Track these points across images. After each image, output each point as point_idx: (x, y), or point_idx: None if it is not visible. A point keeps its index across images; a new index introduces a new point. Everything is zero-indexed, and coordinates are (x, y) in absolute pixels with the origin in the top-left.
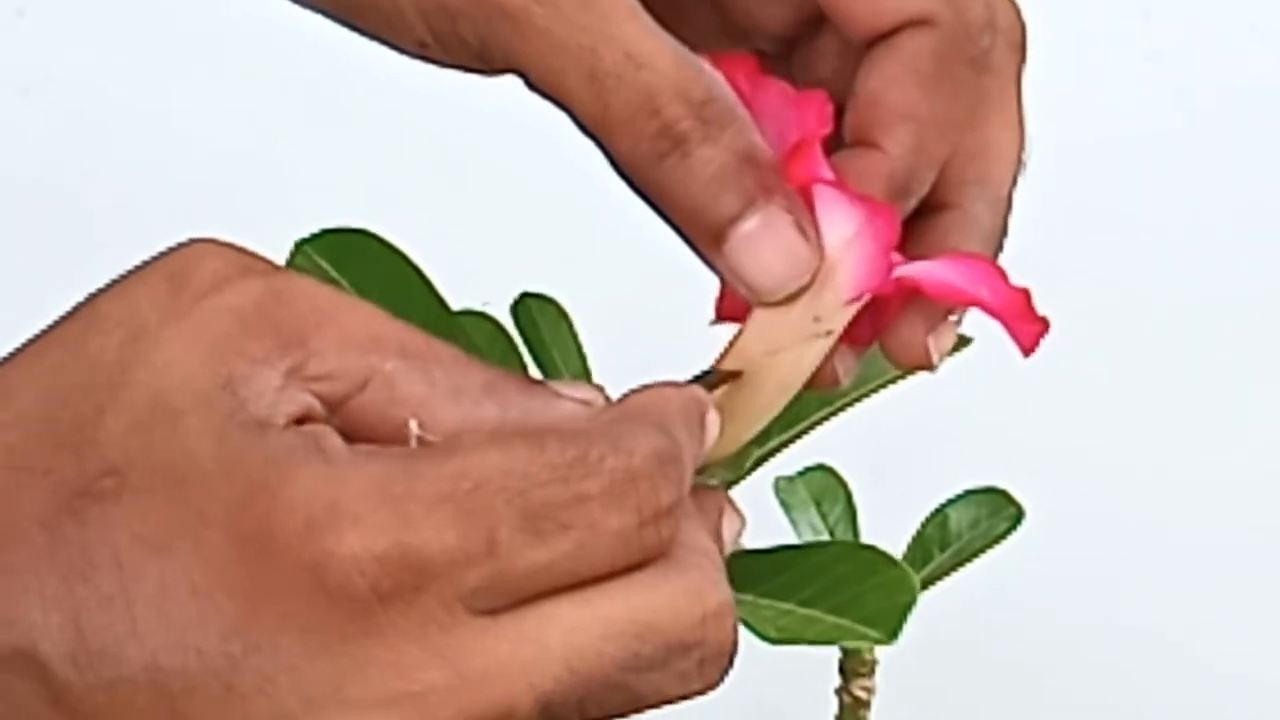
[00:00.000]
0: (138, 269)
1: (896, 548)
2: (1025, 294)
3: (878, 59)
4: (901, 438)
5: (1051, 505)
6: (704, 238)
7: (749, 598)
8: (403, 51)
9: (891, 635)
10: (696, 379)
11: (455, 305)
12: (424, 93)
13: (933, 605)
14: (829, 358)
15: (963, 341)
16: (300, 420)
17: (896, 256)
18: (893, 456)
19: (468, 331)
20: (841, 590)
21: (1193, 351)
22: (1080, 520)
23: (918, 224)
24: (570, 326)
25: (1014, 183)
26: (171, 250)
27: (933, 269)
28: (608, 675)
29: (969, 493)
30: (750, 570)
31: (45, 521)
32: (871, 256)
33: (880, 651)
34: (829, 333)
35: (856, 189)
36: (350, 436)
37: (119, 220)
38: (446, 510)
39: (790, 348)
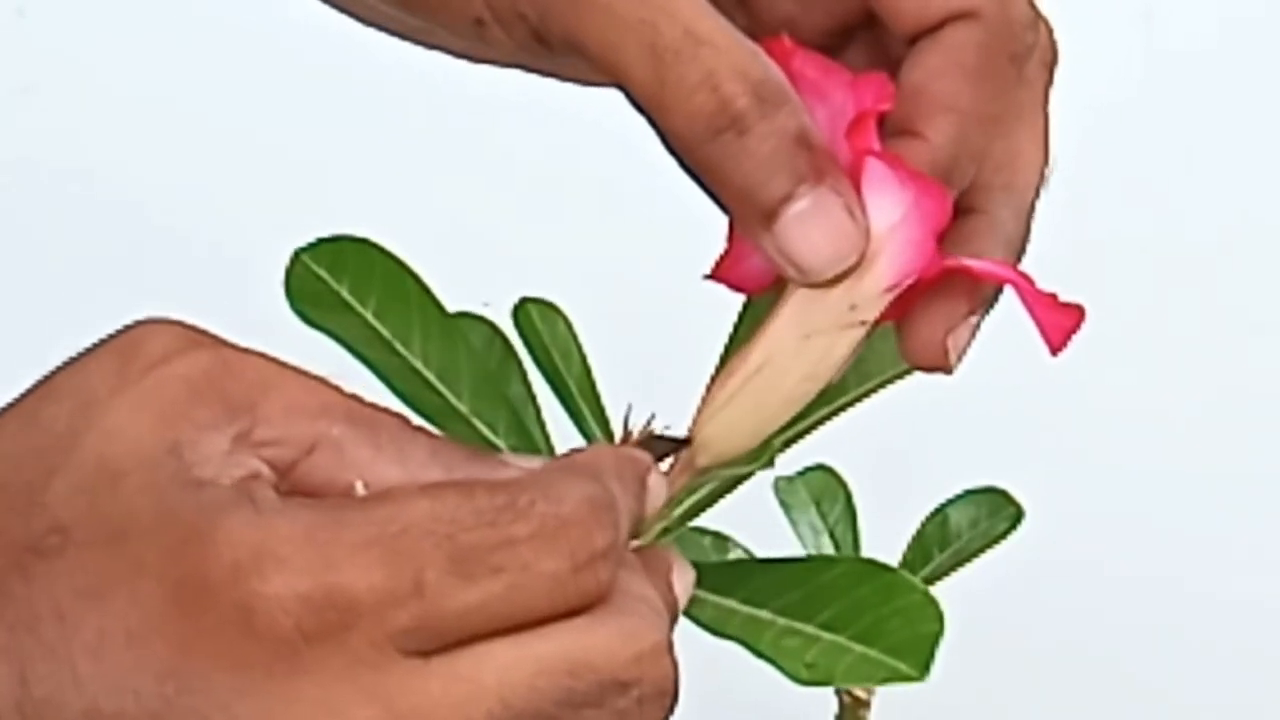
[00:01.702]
0: (91, 347)
1: (896, 548)
2: (1054, 295)
3: (922, 52)
4: (901, 438)
5: (1051, 505)
6: (755, 216)
7: (766, 615)
8: (448, 49)
9: (923, 670)
10: (644, 442)
11: (454, 309)
12: (427, 96)
13: None
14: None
15: None
16: (246, 481)
17: (955, 256)
18: (893, 456)
19: (465, 334)
20: (864, 615)
21: (1193, 352)
22: (1080, 520)
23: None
24: (571, 330)
25: (1037, 194)
26: (123, 330)
27: (972, 261)
28: (542, 711)
29: (969, 493)
30: (759, 583)
31: None
32: (917, 241)
33: None
34: (863, 323)
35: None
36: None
37: (119, 220)
38: (373, 553)
39: (823, 334)
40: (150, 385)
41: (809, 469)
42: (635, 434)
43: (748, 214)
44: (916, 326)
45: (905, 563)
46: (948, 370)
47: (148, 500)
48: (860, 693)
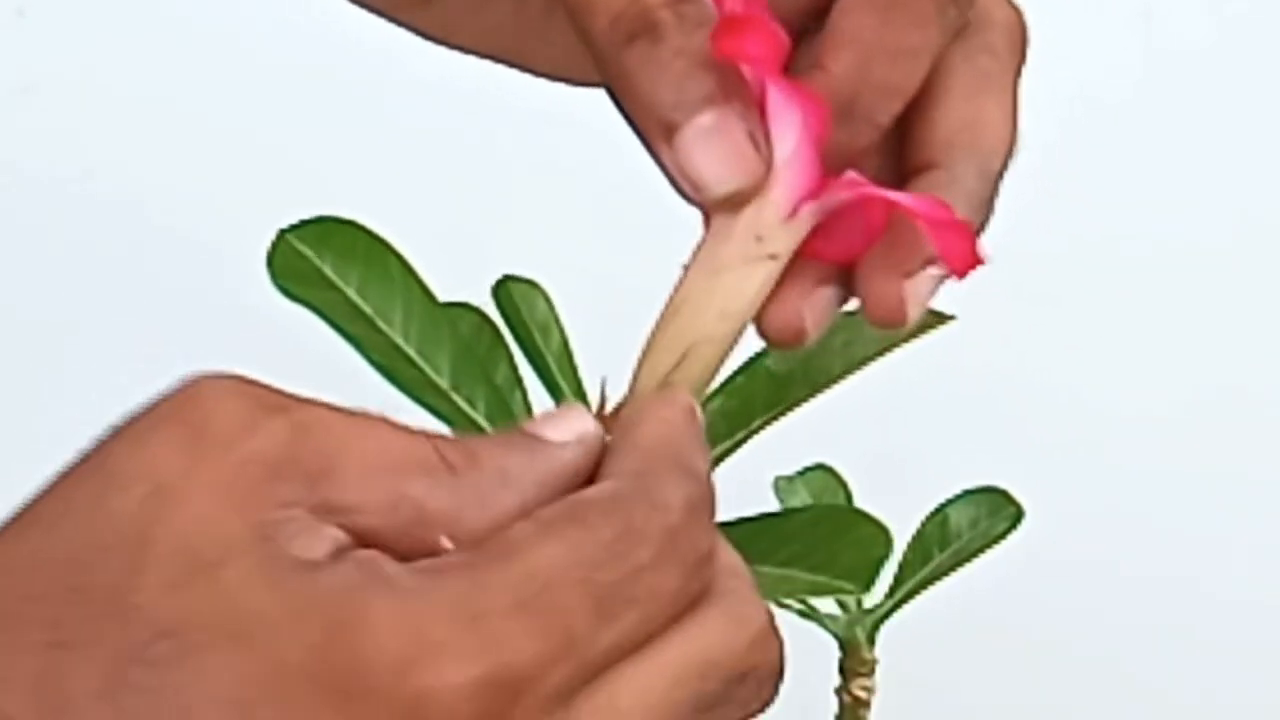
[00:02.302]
0: (148, 414)
1: (897, 548)
2: (972, 231)
3: None
4: (901, 438)
5: (1051, 505)
6: (658, 128)
7: None
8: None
9: (865, 587)
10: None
11: (441, 288)
12: (416, 91)
13: (933, 605)
14: (780, 292)
15: (943, 318)
16: (338, 553)
17: (857, 177)
18: (893, 456)
19: (448, 313)
20: (819, 550)
21: (1193, 352)
22: (1080, 520)
23: (904, 185)
24: (552, 307)
25: (1004, 166)
26: (182, 390)
27: (872, 187)
28: (685, 718)
29: (969, 493)
30: (733, 536)
31: (101, 694)
32: (808, 162)
33: (880, 651)
34: (771, 257)
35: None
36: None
37: (120, 220)
38: (525, 618)
39: (732, 269)
40: (227, 467)
41: (809, 469)
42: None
43: (651, 126)
44: (869, 276)
45: (905, 562)
46: (903, 325)
47: (261, 590)
48: (860, 693)
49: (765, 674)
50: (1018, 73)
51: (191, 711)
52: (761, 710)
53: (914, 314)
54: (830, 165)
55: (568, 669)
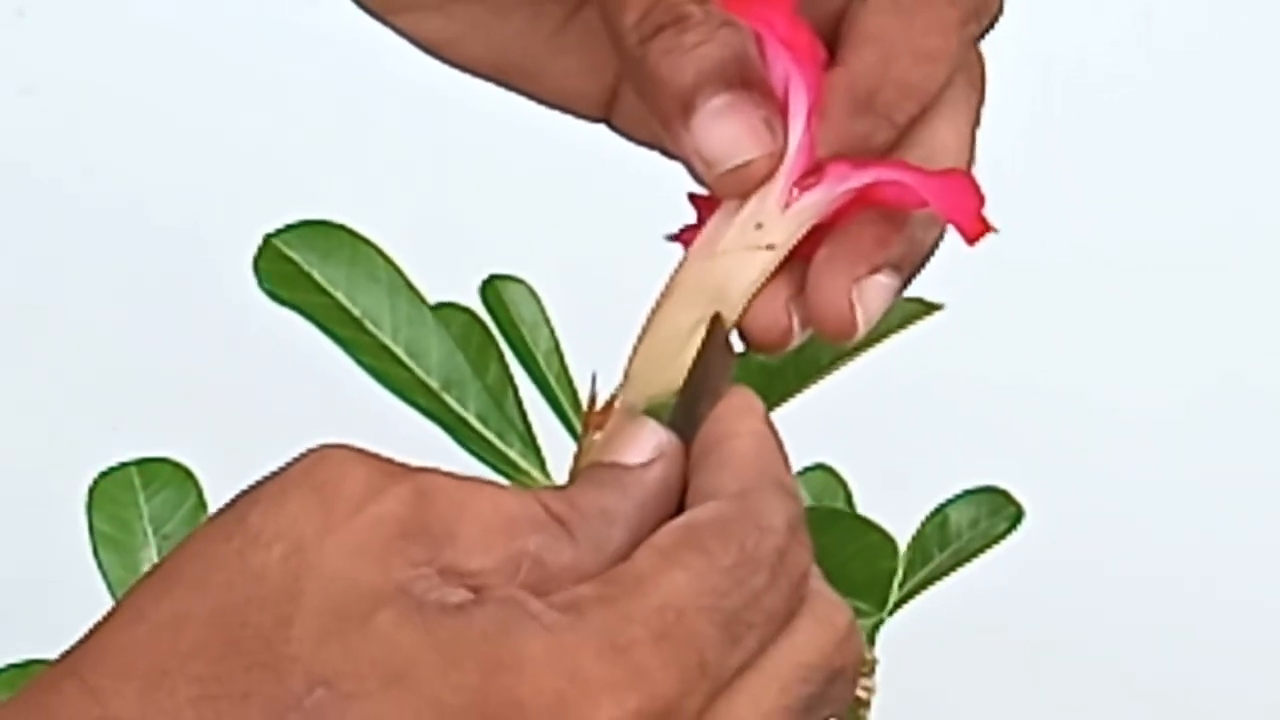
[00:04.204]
0: (279, 478)
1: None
2: (981, 192)
3: None
4: (901, 438)
5: (1051, 505)
6: (675, 109)
7: None
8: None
9: (880, 606)
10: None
11: (428, 289)
12: (404, 87)
13: (933, 605)
14: (765, 294)
15: (930, 308)
16: (479, 597)
17: (846, 168)
18: (893, 456)
19: (437, 315)
20: (826, 559)
21: (1194, 352)
22: (1080, 520)
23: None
24: (540, 305)
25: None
26: (309, 458)
27: (882, 168)
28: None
29: (969, 493)
30: None
31: None
32: (805, 148)
33: (880, 651)
34: (769, 247)
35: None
36: None
37: (119, 220)
38: (666, 649)
39: (730, 253)
40: (361, 527)
41: (809, 468)
42: (600, 404)
43: (670, 107)
44: (816, 283)
45: (905, 563)
46: (851, 335)
47: (412, 635)
48: (860, 692)
49: (853, 670)
50: (979, 105)
51: None
52: (845, 705)
53: (864, 325)
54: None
55: (703, 694)
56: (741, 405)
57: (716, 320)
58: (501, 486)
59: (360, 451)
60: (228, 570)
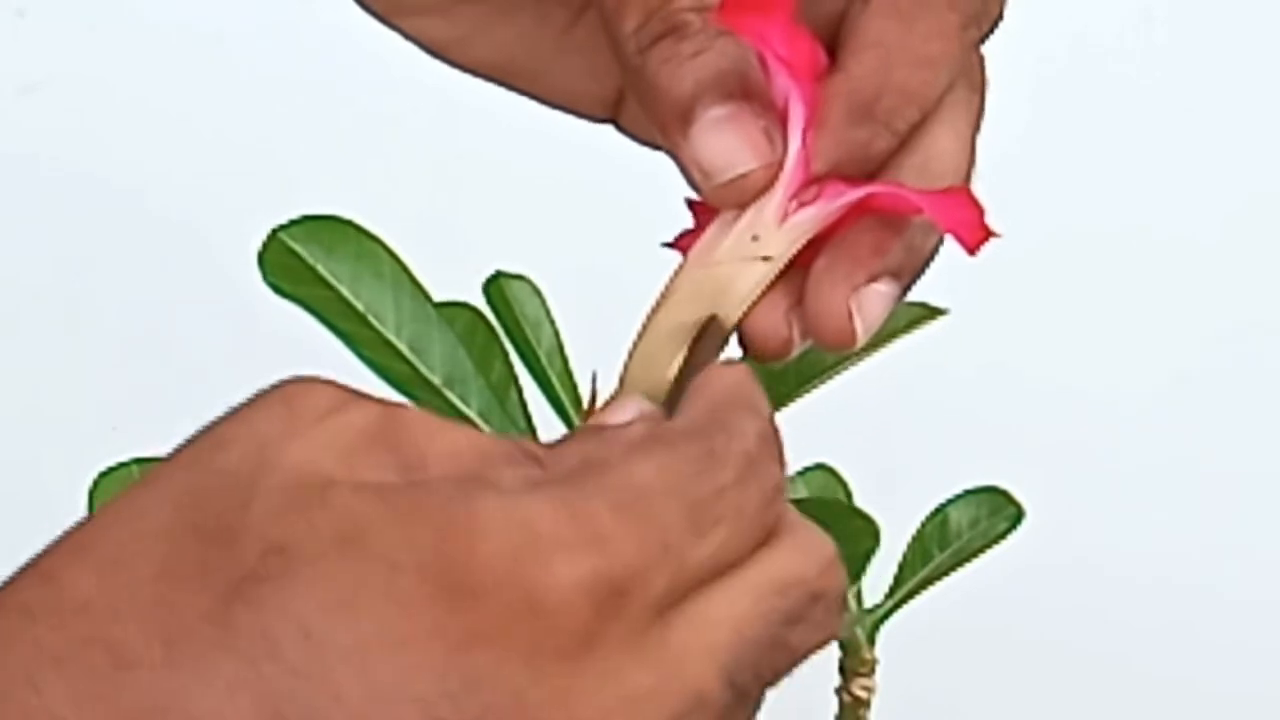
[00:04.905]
0: (248, 400)
1: (896, 548)
2: (979, 203)
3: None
4: (902, 438)
5: (1051, 505)
6: (674, 118)
7: None
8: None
9: (855, 578)
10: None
11: (432, 285)
12: (408, 83)
13: (933, 605)
14: (764, 303)
15: (934, 312)
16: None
17: (840, 186)
18: (893, 456)
19: (441, 310)
20: None
21: (1196, 352)
22: (1080, 520)
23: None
24: (543, 302)
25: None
26: (279, 383)
27: (878, 186)
28: (771, 633)
29: (969, 492)
30: None
31: (212, 614)
32: (802, 162)
33: (880, 651)
34: (765, 259)
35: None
36: None
37: (120, 220)
38: (625, 521)
39: (726, 263)
40: (325, 431)
41: (809, 469)
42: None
43: (669, 117)
44: (814, 292)
45: (905, 562)
46: (850, 344)
47: (371, 502)
48: (860, 692)
49: (834, 598)
50: (979, 110)
51: (304, 618)
52: (830, 638)
53: (863, 333)
54: (846, 174)
55: (665, 578)
56: (722, 364)
57: (713, 319)
58: (478, 430)
59: (333, 381)
60: (192, 468)
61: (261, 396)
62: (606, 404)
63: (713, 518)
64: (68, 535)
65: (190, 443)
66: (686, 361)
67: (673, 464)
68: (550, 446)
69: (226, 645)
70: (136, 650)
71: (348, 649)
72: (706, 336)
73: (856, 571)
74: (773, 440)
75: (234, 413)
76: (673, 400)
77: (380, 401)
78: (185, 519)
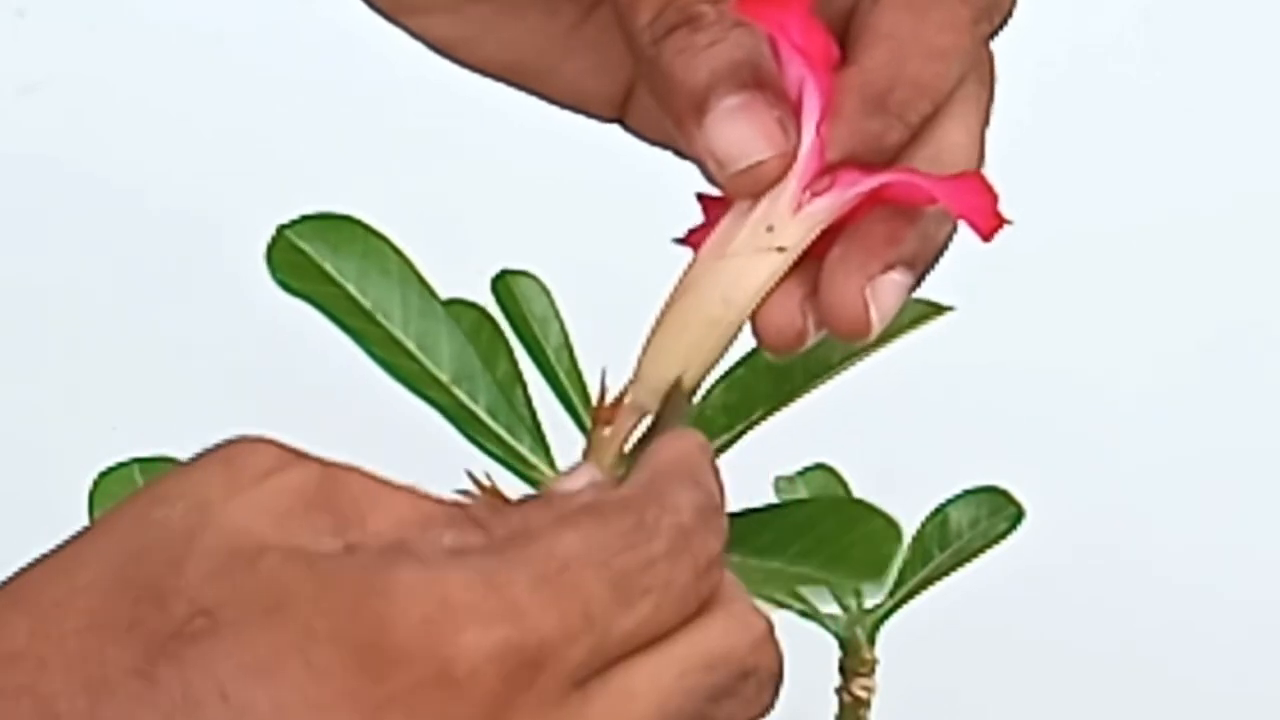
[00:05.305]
0: (193, 458)
1: None
2: (993, 189)
3: None
4: (902, 437)
5: (1051, 505)
6: (688, 109)
7: (736, 558)
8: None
9: (880, 583)
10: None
11: (439, 283)
12: (416, 81)
13: (933, 605)
14: (777, 295)
15: (939, 309)
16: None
17: (856, 174)
18: (893, 456)
19: (448, 309)
20: (829, 545)
21: (1197, 351)
22: (1081, 520)
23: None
24: (550, 300)
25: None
26: (220, 445)
27: (892, 174)
28: (695, 708)
29: (969, 492)
30: (736, 530)
31: (138, 670)
32: (816, 152)
33: (880, 651)
34: (780, 249)
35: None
36: None
37: (120, 220)
38: (545, 592)
39: (740, 255)
40: (263, 493)
41: (809, 468)
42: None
43: (683, 108)
44: (829, 283)
45: (905, 562)
46: (866, 334)
47: (297, 571)
48: (860, 692)
49: (766, 676)
50: (989, 105)
51: (224, 680)
52: (763, 715)
53: (878, 323)
54: (859, 165)
55: (585, 649)
56: (674, 432)
57: (677, 384)
58: (423, 492)
59: (274, 440)
60: (131, 522)
61: (205, 455)
62: (566, 472)
63: (640, 589)
64: (9, 582)
65: (134, 497)
66: (651, 427)
67: (599, 535)
68: (499, 510)
69: (149, 701)
70: (61, 702)
71: (264, 713)
72: (671, 402)
73: (879, 575)
74: (712, 513)
75: (178, 470)
76: (629, 467)
77: (321, 462)
78: (120, 574)
